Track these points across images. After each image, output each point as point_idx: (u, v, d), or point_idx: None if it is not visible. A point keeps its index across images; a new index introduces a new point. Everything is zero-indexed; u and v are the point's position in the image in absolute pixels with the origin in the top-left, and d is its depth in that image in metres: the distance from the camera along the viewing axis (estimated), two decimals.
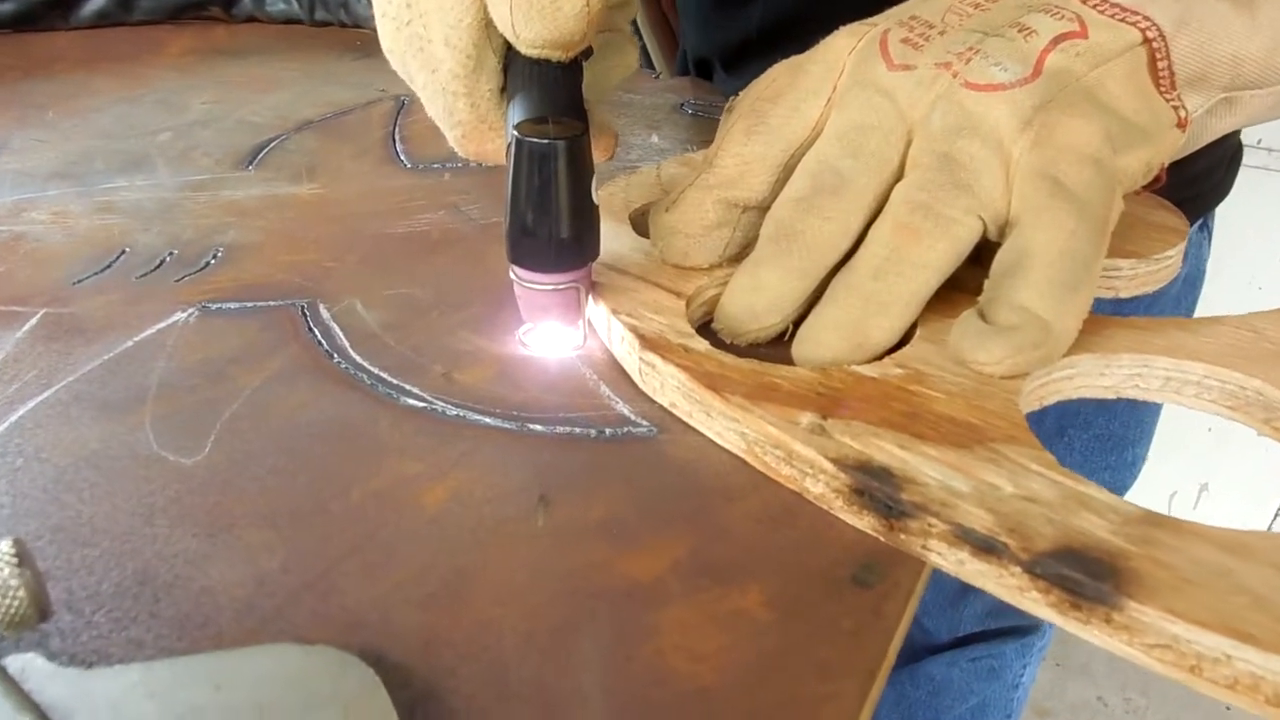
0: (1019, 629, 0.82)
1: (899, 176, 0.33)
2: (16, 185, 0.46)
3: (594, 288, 0.34)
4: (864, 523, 0.26)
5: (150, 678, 0.19)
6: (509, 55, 0.33)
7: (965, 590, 0.74)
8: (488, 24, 0.32)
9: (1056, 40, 0.33)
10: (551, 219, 0.30)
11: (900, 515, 0.25)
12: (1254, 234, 1.26)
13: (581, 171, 0.30)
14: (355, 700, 0.19)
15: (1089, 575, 0.22)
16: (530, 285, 0.32)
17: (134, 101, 0.57)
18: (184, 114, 0.55)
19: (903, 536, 0.25)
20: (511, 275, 0.32)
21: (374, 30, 0.71)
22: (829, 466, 0.26)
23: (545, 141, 0.29)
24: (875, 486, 0.25)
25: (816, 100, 0.34)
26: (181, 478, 0.28)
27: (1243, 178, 0.66)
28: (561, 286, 0.32)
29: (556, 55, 0.32)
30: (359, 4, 0.73)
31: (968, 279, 0.32)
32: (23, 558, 0.18)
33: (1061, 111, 0.32)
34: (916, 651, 0.80)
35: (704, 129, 0.57)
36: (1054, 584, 0.22)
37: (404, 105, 0.57)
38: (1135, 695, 1.47)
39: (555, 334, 0.34)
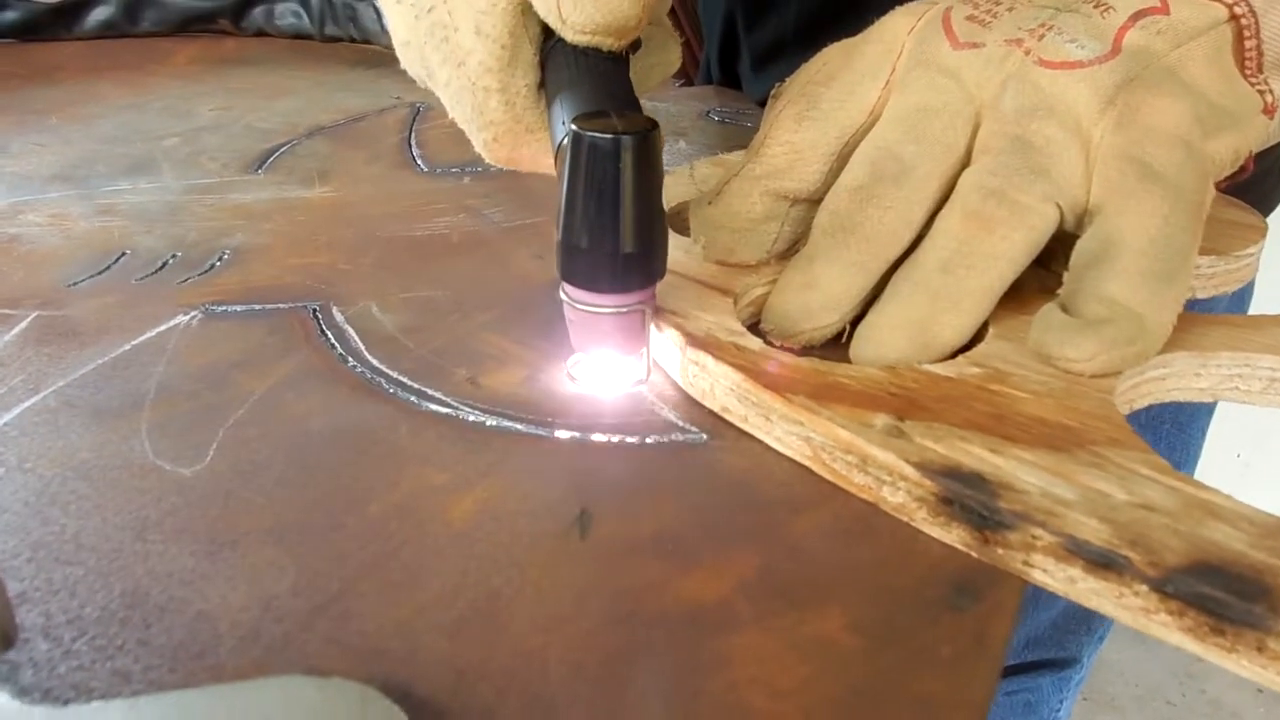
0: (1056, 662, 0.78)
1: (965, 164, 0.30)
2: (13, 188, 0.44)
3: (659, 312, 0.29)
4: (953, 536, 0.22)
5: (135, 716, 0.16)
6: (546, 47, 0.30)
7: None
8: (524, 9, 0.29)
9: (1136, 16, 0.30)
10: (616, 230, 0.26)
11: (997, 526, 0.22)
12: None
13: (652, 174, 0.26)
14: None
15: (1234, 595, 0.19)
16: (586, 308, 0.27)
17: (139, 108, 0.55)
18: (190, 120, 0.53)
19: (1000, 551, 0.22)
20: (562, 296, 0.28)
21: (384, 46, 0.68)
22: (911, 472, 0.23)
23: (610, 137, 0.25)
24: (967, 494, 0.22)
25: (874, 82, 0.32)
26: (179, 489, 0.25)
27: None
28: (624, 310, 0.27)
29: (608, 43, 0.28)
30: (369, 19, 0.72)
31: (1029, 280, 0.30)
32: None
33: (1147, 91, 0.29)
34: None
35: (731, 136, 0.54)
36: (1190, 605, 0.19)
37: (420, 111, 0.55)
38: None
39: (612, 366, 0.29)
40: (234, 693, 0.17)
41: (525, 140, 0.31)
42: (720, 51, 0.60)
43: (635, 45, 0.30)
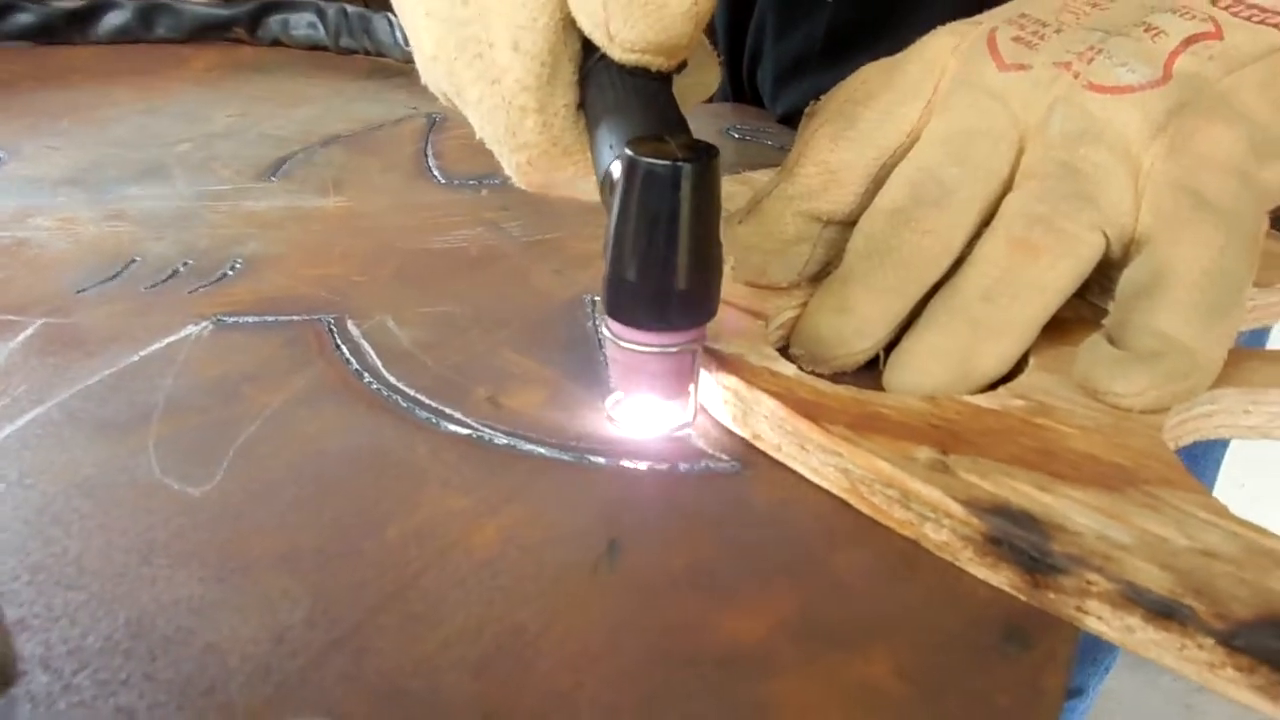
0: None
1: (1007, 189, 0.30)
2: (23, 191, 0.43)
3: (710, 354, 0.27)
4: (1000, 577, 0.21)
5: None
6: (586, 65, 0.28)
7: None
8: (566, 25, 0.27)
9: (1187, 42, 0.29)
10: (670, 265, 0.24)
11: (1049, 570, 0.20)
12: None
13: (712, 205, 0.24)
14: None
15: None
16: (632, 347, 0.25)
17: (154, 113, 0.54)
18: (205, 125, 0.52)
19: (1051, 595, 0.21)
20: (604, 332, 0.26)
21: (398, 59, 0.67)
22: (957, 509, 0.22)
23: (669, 164, 0.23)
24: (1017, 534, 0.21)
25: (915, 102, 0.31)
26: (187, 510, 0.24)
27: None
28: (673, 350, 0.25)
29: (658, 63, 0.26)
30: (382, 31, 0.71)
31: (1064, 310, 0.29)
32: None
33: (1199, 118, 0.28)
34: None
35: (751, 154, 0.53)
36: (1262, 661, 0.18)
37: (436, 122, 0.54)
38: None
39: (655, 408, 0.27)
40: None
41: (562, 164, 0.29)
42: (749, 63, 0.59)
43: (681, 65, 0.28)
